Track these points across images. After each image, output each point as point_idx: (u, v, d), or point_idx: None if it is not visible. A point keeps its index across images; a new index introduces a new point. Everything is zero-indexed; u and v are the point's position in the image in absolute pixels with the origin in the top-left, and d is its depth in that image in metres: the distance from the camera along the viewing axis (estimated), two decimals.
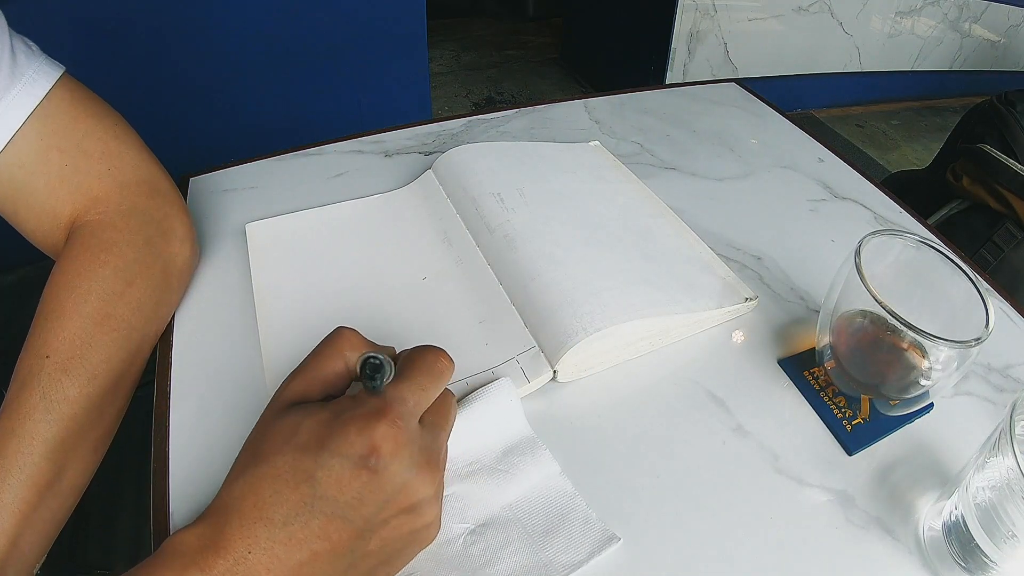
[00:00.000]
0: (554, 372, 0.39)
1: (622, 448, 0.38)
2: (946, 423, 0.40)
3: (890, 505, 0.36)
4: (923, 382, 0.35)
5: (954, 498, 0.33)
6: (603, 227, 0.49)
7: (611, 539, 0.33)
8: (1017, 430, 0.28)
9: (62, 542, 0.36)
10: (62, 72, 0.40)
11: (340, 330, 0.32)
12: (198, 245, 0.46)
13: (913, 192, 1.04)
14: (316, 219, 0.52)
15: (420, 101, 1.67)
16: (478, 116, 0.67)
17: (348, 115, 1.59)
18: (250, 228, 0.50)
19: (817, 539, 0.34)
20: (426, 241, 0.50)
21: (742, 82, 0.77)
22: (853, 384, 0.38)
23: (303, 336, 0.42)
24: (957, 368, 0.34)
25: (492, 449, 0.36)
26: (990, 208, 0.90)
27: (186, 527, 0.26)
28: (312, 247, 0.49)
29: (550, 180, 0.54)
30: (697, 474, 0.36)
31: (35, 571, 0.34)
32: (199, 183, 0.56)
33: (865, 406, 0.40)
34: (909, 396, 0.36)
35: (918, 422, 0.40)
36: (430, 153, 0.61)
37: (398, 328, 0.43)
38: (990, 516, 0.30)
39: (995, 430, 0.30)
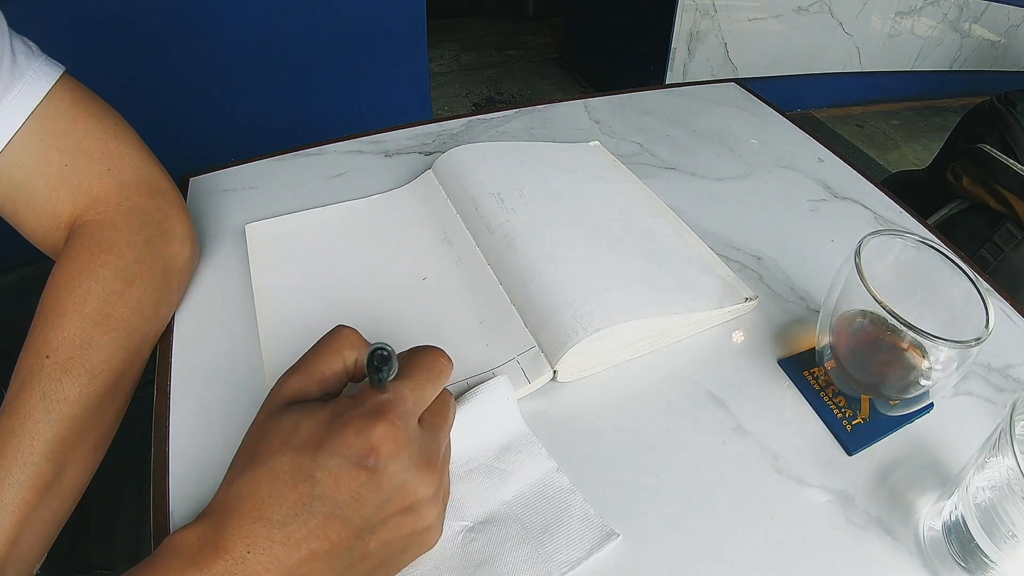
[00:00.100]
0: (554, 372, 0.39)
1: (622, 448, 0.38)
2: (946, 423, 0.40)
3: (890, 505, 0.36)
4: (923, 382, 0.35)
5: (954, 498, 0.33)
6: (603, 227, 0.49)
7: (610, 535, 0.33)
8: (1017, 430, 0.28)
9: (62, 542, 0.36)
10: (62, 72, 0.40)
11: (340, 329, 0.32)
12: (198, 245, 0.46)
13: (913, 192, 1.04)
14: (316, 219, 0.52)
15: (420, 101, 1.67)
16: (478, 116, 0.67)
17: (348, 115, 1.59)
18: (250, 228, 0.50)
19: (817, 539, 0.34)
20: (426, 241, 0.50)
21: (742, 82, 0.77)
22: (853, 384, 0.38)
23: (303, 336, 0.42)
24: (957, 368, 0.34)
25: (489, 448, 0.36)
26: (990, 208, 0.90)
27: (185, 526, 0.26)
28: (312, 247, 0.49)
29: (550, 180, 0.54)
30: (697, 474, 0.36)
31: (35, 571, 0.34)
32: (199, 183, 0.56)
33: (865, 406, 0.40)
34: (909, 396, 0.36)
35: (918, 422, 0.40)
36: (430, 153, 0.61)
37: (398, 328, 0.43)
38: (990, 516, 0.30)
39: (995, 430, 0.30)
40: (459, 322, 0.44)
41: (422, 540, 0.30)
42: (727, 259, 0.50)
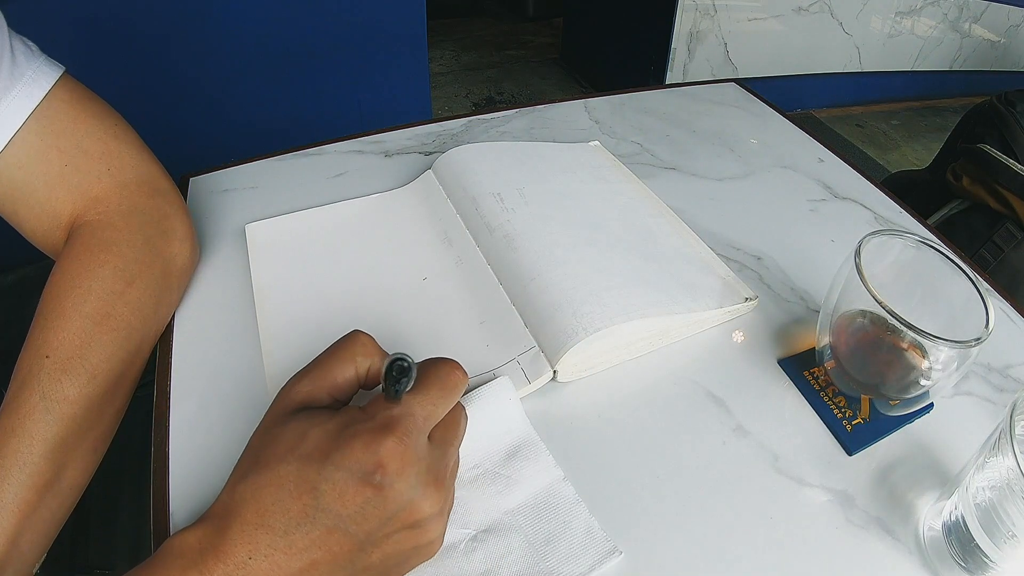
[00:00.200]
0: (554, 372, 0.39)
1: (622, 448, 0.38)
2: (946, 423, 0.40)
3: (890, 505, 0.36)
4: (923, 382, 0.35)
5: (954, 498, 0.33)
6: (603, 227, 0.49)
7: (613, 552, 0.32)
8: (1017, 430, 0.28)
9: (62, 542, 0.36)
10: (62, 72, 0.40)
11: (355, 334, 0.31)
12: (198, 245, 0.46)
13: (913, 192, 1.04)
14: (316, 219, 0.52)
15: (420, 101, 1.67)
16: (478, 116, 0.67)
17: (348, 115, 1.59)
18: (250, 228, 0.50)
19: (817, 539, 0.34)
20: (426, 241, 0.50)
21: (742, 82, 0.77)
22: (853, 384, 0.38)
23: (303, 336, 0.42)
24: (957, 368, 0.34)
25: (495, 452, 0.36)
26: (990, 208, 0.90)
27: (186, 528, 0.26)
28: (312, 247, 0.49)
29: (550, 180, 0.54)
30: (697, 474, 0.36)
31: (34, 571, 0.34)
32: (199, 183, 0.56)
33: (865, 406, 0.40)
34: (909, 396, 0.36)
35: (918, 422, 0.40)
36: (430, 153, 0.61)
37: (398, 328, 0.43)
38: (990, 516, 0.30)
39: (995, 430, 0.30)
40: (459, 322, 0.44)
41: (424, 552, 0.30)
42: (727, 259, 0.50)
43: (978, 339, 0.33)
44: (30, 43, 0.39)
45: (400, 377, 0.27)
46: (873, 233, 0.37)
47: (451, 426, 0.31)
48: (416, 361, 0.29)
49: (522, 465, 0.36)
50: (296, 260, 0.48)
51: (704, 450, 0.38)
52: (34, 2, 1.12)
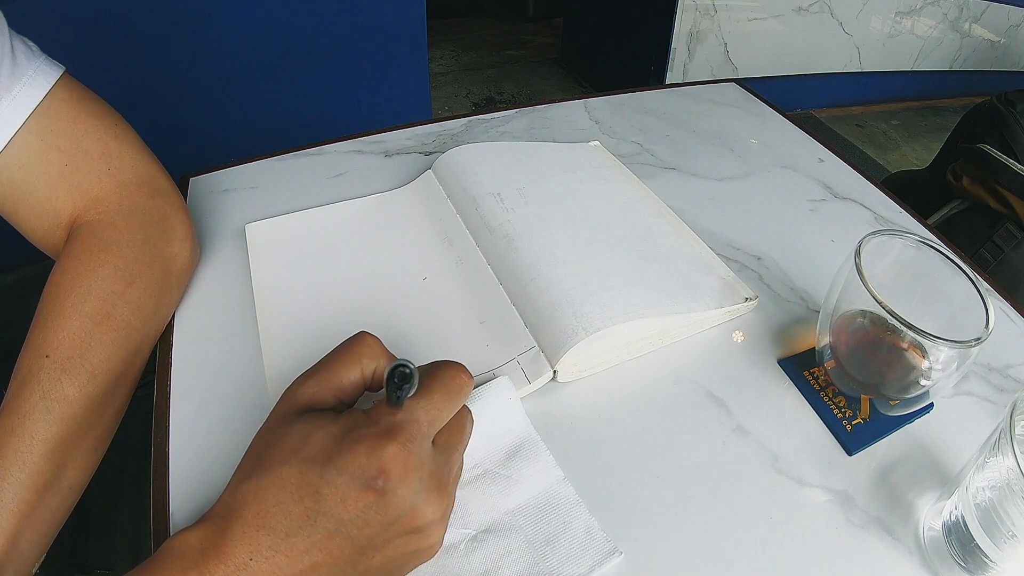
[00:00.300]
0: (554, 372, 0.39)
1: (622, 448, 0.38)
2: (946, 423, 0.40)
3: (890, 505, 0.36)
4: (923, 382, 0.35)
5: (954, 498, 0.33)
6: (603, 227, 0.49)
7: (613, 552, 0.32)
8: (1017, 430, 0.28)
9: (62, 542, 0.36)
10: (62, 72, 0.40)
11: (361, 336, 0.31)
12: (198, 245, 0.46)
13: (913, 192, 1.04)
14: (316, 219, 0.52)
15: (420, 101, 1.67)
16: (478, 116, 0.67)
17: (348, 115, 1.59)
18: (250, 228, 0.50)
19: (817, 539, 0.34)
20: (426, 241, 0.50)
21: (742, 82, 0.77)
22: (853, 384, 0.38)
23: (303, 336, 0.42)
24: (957, 368, 0.34)
25: (496, 452, 0.36)
26: (990, 208, 0.90)
27: (187, 528, 0.26)
28: (312, 247, 0.49)
29: (550, 180, 0.54)
30: (697, 474, 0.36)
31: (34, 570, 0.34)
32: (199, 183, 0.56)
33: (865, 406, 0.40)
34: (909, 396, 0.36)
35: (918, 422, 0.40)
36: (430, 153, 0.61)
37: (398, 329, 0.43)
38: (990, 516, 0.30)
39: (995, 430, 0.30)
40: (459, 322, 0.44)
41: (424, 555, 0.30)
42: (727, 259, 0.50)
43: (978, 339, 0.33)
44: (30, 43, 0.39)
45: (402, 383, 0.27)
46: (873, 233, 0.37)
47: (456, 431, 0.31)
48: (421, 364, 0.29)
49: (522, 465, 0.36)
50: (296, 260, 0.48)
51: (704, 450, 0.38)
52: (34, 2, 1.12)
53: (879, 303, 0.33)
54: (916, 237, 0.38)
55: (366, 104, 1.59)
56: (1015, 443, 0.28)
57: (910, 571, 0.33)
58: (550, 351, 0.40)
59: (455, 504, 0.33)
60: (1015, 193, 0.86)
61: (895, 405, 0.37)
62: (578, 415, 0.39)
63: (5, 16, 0.38)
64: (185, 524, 0.27)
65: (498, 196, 0.50)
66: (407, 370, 0.28)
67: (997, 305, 0.48)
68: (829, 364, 0.39)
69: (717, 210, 0.56)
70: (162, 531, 0.33)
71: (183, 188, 0.55)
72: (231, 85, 1.41)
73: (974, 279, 0.35)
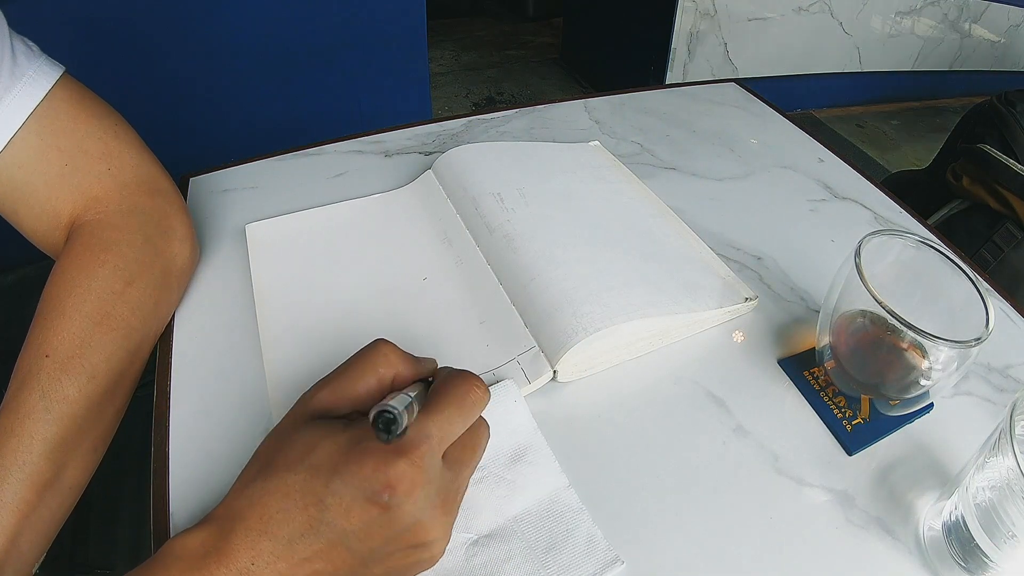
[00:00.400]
0: (554, 372, 0.39)
1: (622, 448, 0.38)
2: (946, 423, 0.40)
3: (890, 505, 0.36)
4: (923, 382, 0.35)
5: (954, 498, 0.33)
6: (603, 227, 0.49)
7: (615, 561, 0.32)
8: (1017, 430, 0.28)
9: (62, 542, 0.36)
10: (62, 72, 0.40)
11: (378, 344, 0.31)
12: (198, 245, 0.46)
13: (913, 192, 1.04)
14: (316, 219, 0.52)
15: (420, 101, 1.66)
16: (478, 116, 0.67)
17: (348, 115, 1.59)
18: (250, 228, 0.50)
19: (817, 539, 0.34)
20: (426, 241, 0.50)
21: (742, 82, 0.77)
22: (853, 384, 0.38)
23: (303, 336, 0.42)
24: (957, 368, 0.34)
25: (501, 455, 0.36)
26: (990, 208, 0.90)
27: (188, 530, 0.26)
28: (312, 247, 0.49)
29: (550, 180, 0.54)
30: (697, 474, 0.36)
31: (34, 570, 0.34)
32: (199, 183, 0.56)
33: (865, 406, 0.40)
34: (909, 396, 0.36)
35: (918, 422, 0.40)
36: (430, 153, 0.61)
37: (398, 328, 0.43)
38: (990, 516, 0.30)
39: (995, 430, 0.30)
40: (459, 322, 0.44)
41: (425, 565, 0.30)
42: (727, 259, 0.50)
43: (978, 339, 0.33)
44: (30, 43, 0.39)
45: (387, 427, 0.25)
46: (873, 233, 0.37)
47: (468, 447, 0.30)
48: (441, 367, 0.28)
49: (527, 470, 0.35)
50: (296, 260, 0.48)
51: (704, 450, 0.38)
52: (34, 2, 1.12)
53: (879, 303, 0.33)
54: (916, 237, 0.38)
55: (366, 104, 1.59)
56: (1015, 443, 0.28)
57: (910, 571, 0.33)
58: (550, 351, 0.40)
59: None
60: (1015, 193, 0.86)
61: (895, 405, 0.37)
62: (578, 415, 0.39)
63: (5, 16, 0.38)
64: (185, 524, 0.27)
65: (498, 196, 0.50)
66: (390, 415, 0.25)
67: (997, 305, 0.48)
68: (829, 364, 0.39)
69: (717, 210, 0.56)
70: (162, 531, 0.33)
71: (183, 188, 0.55)
72: (231, 85, 1.41)
73: (974, 279, 0.35)
